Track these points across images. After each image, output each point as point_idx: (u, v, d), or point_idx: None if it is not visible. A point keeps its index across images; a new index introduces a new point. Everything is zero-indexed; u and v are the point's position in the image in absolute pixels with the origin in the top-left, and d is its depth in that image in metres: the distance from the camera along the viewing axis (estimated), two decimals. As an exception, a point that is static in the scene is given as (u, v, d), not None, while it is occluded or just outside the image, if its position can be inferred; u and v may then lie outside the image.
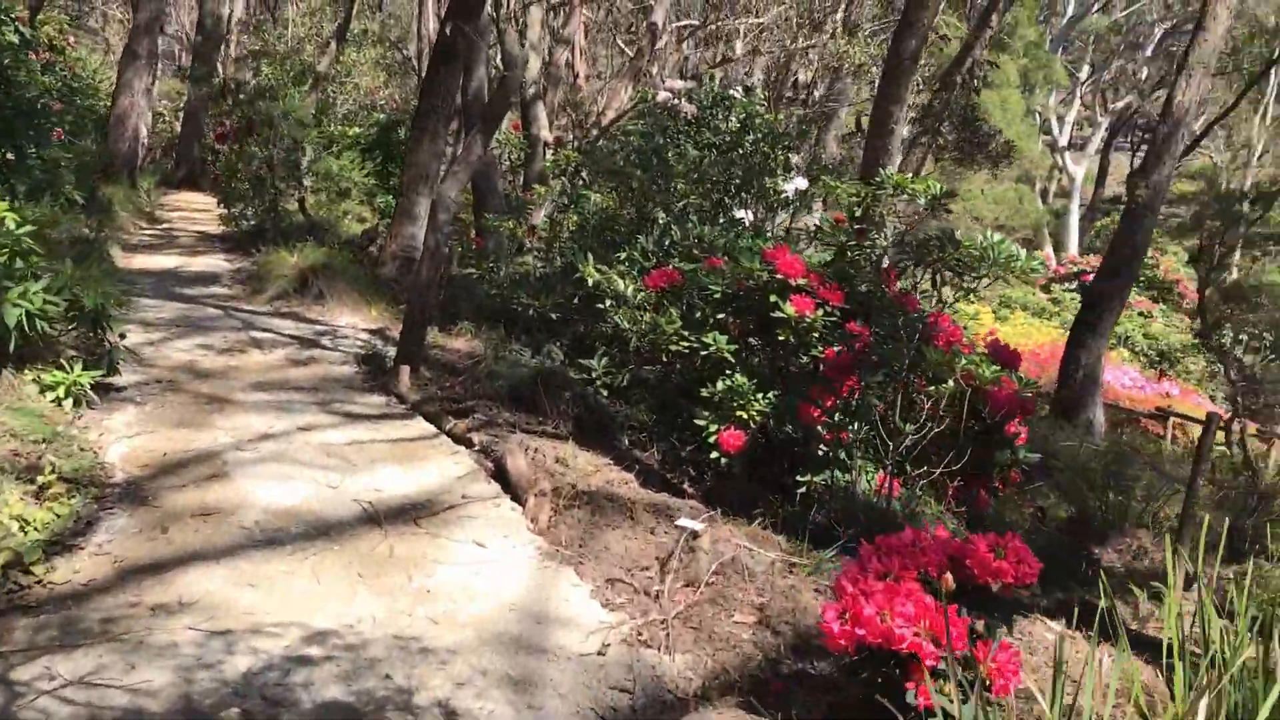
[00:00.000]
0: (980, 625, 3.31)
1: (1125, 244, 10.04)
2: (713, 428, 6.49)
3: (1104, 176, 42.58)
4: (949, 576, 2.74)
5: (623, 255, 9.39)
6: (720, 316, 6.97)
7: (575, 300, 9.76)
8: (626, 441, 7.24)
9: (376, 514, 4.84)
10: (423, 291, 7.25)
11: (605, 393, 8.60)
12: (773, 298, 6.64)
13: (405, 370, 7.20)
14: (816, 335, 6.64)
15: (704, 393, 6.63)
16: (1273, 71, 35.94)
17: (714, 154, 10.86)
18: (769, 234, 10.24)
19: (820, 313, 6.58)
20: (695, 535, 4.43)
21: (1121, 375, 18.69)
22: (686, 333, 6.90)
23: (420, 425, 6.44)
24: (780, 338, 6.64)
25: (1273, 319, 23.87)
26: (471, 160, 7.13)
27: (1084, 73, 42.40)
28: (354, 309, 10.20)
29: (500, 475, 5.54)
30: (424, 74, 11.49)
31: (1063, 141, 42.39)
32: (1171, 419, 16.11)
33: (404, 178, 11.31)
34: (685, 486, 6.66)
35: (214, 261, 12.54)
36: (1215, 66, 10.23)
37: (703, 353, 6.82)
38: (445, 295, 11.61)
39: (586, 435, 7.06)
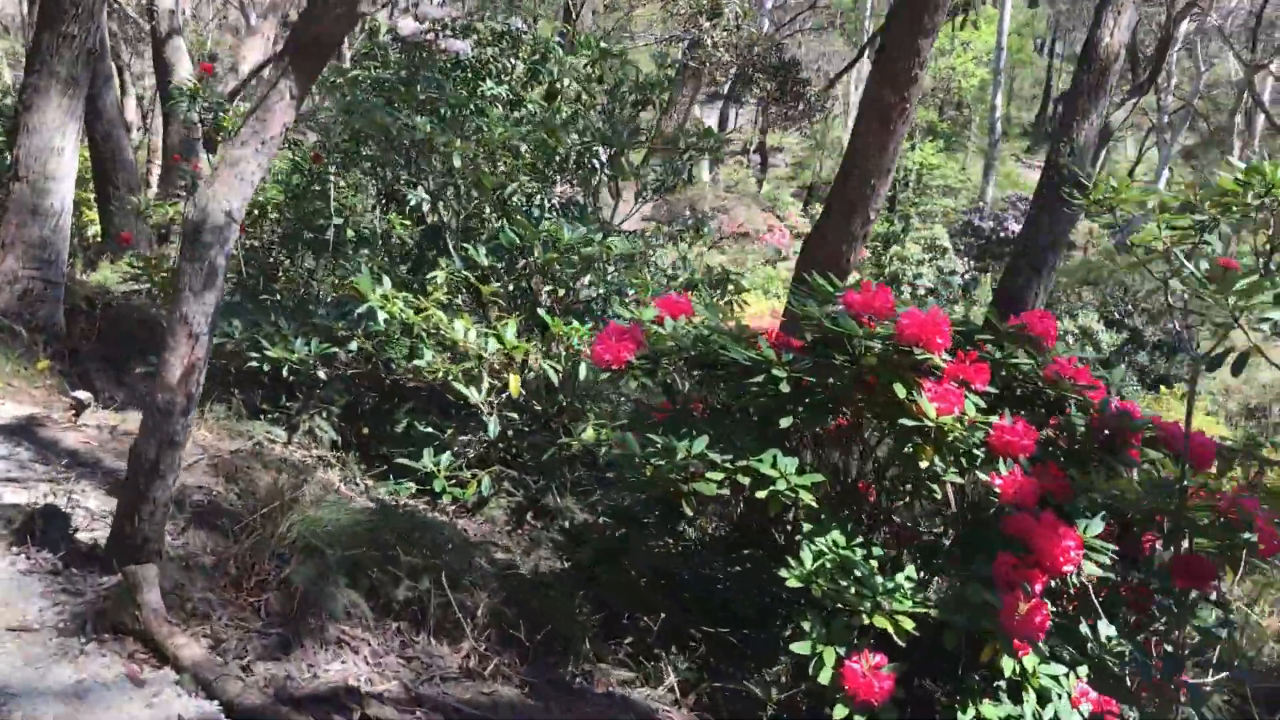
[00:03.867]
0: None
1: (1045, 228, 7.72)
2: (827, 655, 3.29)
3: (723, 125, 42.12)
4: None
5: (439, 273, 5.80)
6: (784, 424, 3.71)
7: (352, 343, 6.05)
8: (588, 650, 3.81)
9: None
10: (167, 409, 3.39)
11: (448, 501, 5.14)
12: (898, 386, 3.50)
13: (152, 576, 3.33)
14: (979, 452, 3.59)
15: (789, 576, 3.40)
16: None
17: (499, 109, 7.39)
18: (616, 228, 6.97)
19: (972, 409, 3.54)
20: None
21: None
22: (725, 459, 3.59)
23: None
24: (921, 461, 3.52)
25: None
26: (274, 136, 3.33)
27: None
28: (-42, 380, 5.82)
29: None
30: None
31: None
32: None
33: (18, 150, 6.85)
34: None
35: None
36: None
37: (758, 494, 3.57)
38: (101, 327, 7.35)
39: (536, 659, 3.59)
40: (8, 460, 4.68)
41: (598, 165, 6.50)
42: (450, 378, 5.40)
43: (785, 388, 3.53)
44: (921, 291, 23.86)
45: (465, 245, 5.99)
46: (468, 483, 5.29)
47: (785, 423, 3.65)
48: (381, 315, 5.60)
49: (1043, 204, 7.79)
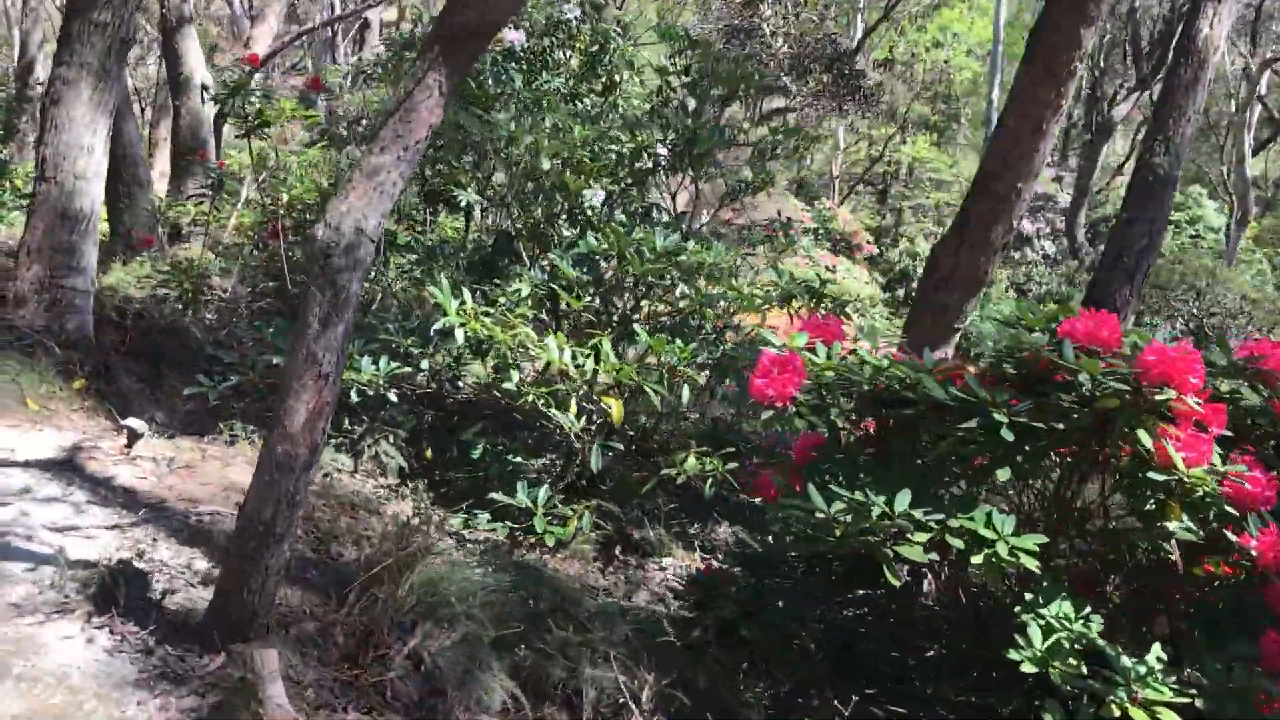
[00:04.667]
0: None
1: (1141, 232, 7.23)
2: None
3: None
4: None
5: (522, 285, 5.28)
6: (1004, 476, 3.20)
7: (423, 362, 5.53)
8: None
9: None
10: (288, 463, 2.86)
11: (546, 539, 4.63)
12: (1142, 434, 3.00)
13: (274, 664, 2.79)
14: (1228, 508, 3.10)
15: (1020, 659, 2.92)
16: None
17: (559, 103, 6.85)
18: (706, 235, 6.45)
19: (1217, 458, 3.05)
20: None
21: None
22: (931, 517, 3.08)
23: None
24: (1169, 521, 3.03)
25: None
26: (419, 141, 2.79)
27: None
28: (-10, 404, 5.23)
29: None
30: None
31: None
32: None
33: (46, 149, 6.26)
34: None
35: None
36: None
37: (973, 559, 3.07)
38: (132, 339, 6.76)
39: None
40: (63, 503, 4.12)
41: (682, 166, 5.97)
42: (541, 403, 4.87)
43: (1009, 435, 3.01)
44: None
45: (549, 254, 5.45)
46: (567, 520, 4.76)
47: (1004, 475, 3.14)
48: (460, 333, 5.06)
49: (1136, 206, 7.30)
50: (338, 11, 20.51)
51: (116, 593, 3.28)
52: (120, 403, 5.78)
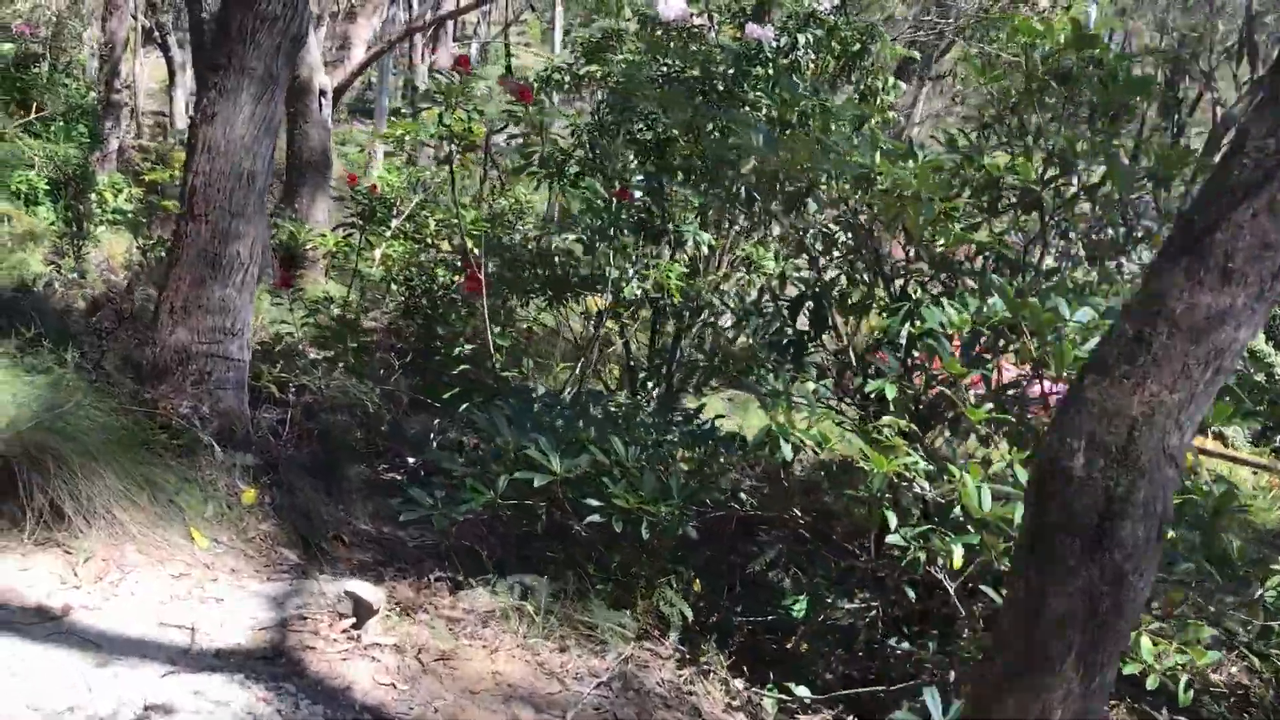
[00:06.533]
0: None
1: None
2: None
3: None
4: None
5: (884, 383, 3.75)
6: None
7: (722, 478, 4.01)
8: None
9: None
10: None
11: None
12: None
13: None
14: None
15: None
16: None
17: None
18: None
19: None
20: None
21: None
22: None
23: None
24: None
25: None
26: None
27: None
28: (141, 540, 3.71)
29: None
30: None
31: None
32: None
33: (195, 178, 4.77)
34: None
35: None
36: None
37: None
38: (293, 421, 5.28)
39: None
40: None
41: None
42: (942, 566, 3.32)
43: None
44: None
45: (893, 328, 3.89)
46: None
47: None
48: (788, 447, 3.55)
49: None
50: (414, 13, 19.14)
51: None
52: (303, 522, 4.29)
